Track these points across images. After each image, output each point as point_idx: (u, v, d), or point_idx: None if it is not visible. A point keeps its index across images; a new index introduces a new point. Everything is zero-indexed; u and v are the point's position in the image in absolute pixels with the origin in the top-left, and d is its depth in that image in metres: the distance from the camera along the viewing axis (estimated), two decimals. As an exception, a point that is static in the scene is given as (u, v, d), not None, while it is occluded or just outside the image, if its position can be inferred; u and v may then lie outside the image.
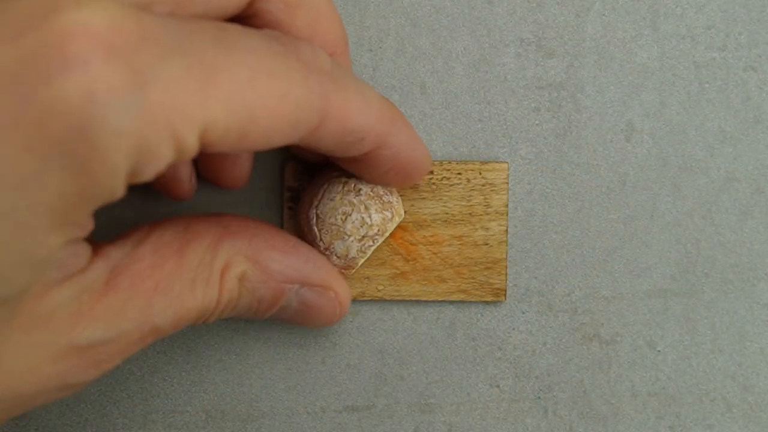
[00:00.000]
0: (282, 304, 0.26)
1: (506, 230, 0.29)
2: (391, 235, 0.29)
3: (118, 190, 0.19)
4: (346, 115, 0.23)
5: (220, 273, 0.24)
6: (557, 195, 0.30)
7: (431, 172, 0.29)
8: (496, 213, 0.29)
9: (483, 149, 0.30)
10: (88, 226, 0.21)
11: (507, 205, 0.29)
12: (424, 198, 0.29)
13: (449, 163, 0.29)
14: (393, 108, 0.25)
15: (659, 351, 0.30)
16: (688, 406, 0.30)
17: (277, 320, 0.28)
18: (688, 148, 0.30)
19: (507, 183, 0.29)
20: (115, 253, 0.23)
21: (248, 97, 0.20)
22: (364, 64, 0.30)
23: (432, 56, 0.30)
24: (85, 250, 0.22)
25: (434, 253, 0.29)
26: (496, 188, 0.29)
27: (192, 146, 0.20)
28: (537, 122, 0.30)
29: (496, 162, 0.29)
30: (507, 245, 0.29)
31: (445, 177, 0.29)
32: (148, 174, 0.19)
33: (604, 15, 0.29)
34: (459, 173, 0.29)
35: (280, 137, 0.21)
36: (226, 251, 0.24)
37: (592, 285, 0.30)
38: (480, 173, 0.29)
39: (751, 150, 0.29)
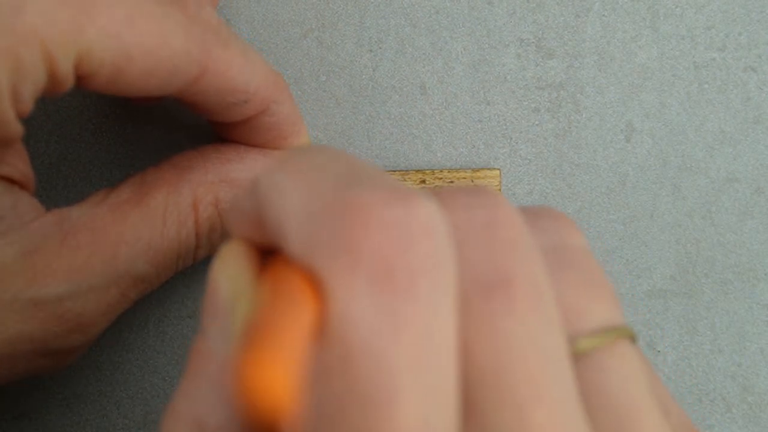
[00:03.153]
0: None
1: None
2: None
3: (5, 111, 0.20)
4: (226, 72, 0.23)
5: (192, 207, 0.25)
6: (557, 195, 0.30)
7: (423, 181, 0.29)
8: None
9: (482, 150, 0.30)
10: (8, 163, 0.22)
11: None
12: None
13: (441, 171, 0.29)
14: (278, 76, 0.25)
15: (659, 351, 0.30)
16: (688, 406, 0.30)
17: None
18: (688, 148, 0.30)
19: (500, 189, 0.29)
20: (71, 213, 0.23)
21: (124, 35, 0.21)
22: (364, 64, 0.30)
23: (432, 56, 0.30)
24: (27, 204, 0.23)
25: None
26: None
27: (66, 73, 0.20)
28: (537, 123, 0.30)
29: (488, 169, 0.29)
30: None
31: (437, 186, 0.29)
32: (27, 98, 0.20)
33: (604, 15, 0.29)
34: (451, 181, 0.29)
35: (157, 82, 0.22)
36: (188, 187, 0.25)
37: (592, 285, 0.30)
38: (472, 181, 0.29)
39: (751, 150, 0.29)
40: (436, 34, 0.30)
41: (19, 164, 0.23)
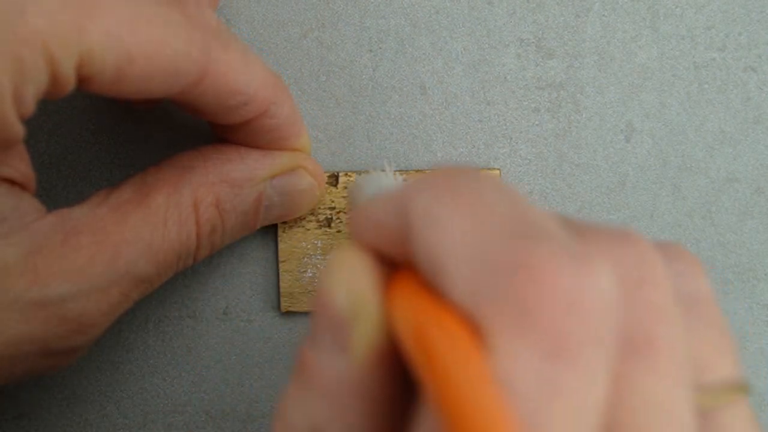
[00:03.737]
0: (265, 204, 0.26)
1: None
2: None
3: (8, 113, 0.20)
4: (227, 74, 0.23)
5: (193, 208, 0.25)
6: (557, 195, 0.30)
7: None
8: None
9: (482, 150, 0.30)
10: (10, 165, 0.22)
11: None
12: None
13: None
14: (278, 78, 0.25)
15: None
16: (688, 407, 0.30)
17: (271, 223, 0.28)
18: (688, 148, 0.30)
19: None
20: (72, 214, 0.23)
21: (126, 37, 0.21)
22: (364, 64, 0.30)
23: (432, 57, 0.30)
24: (29, 205, 0.23)
25: None
26: None
27: (68, 75, 0.20)
28: (537, 123, 0.30)
29: (488, 169, 0.29)
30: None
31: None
32: (29, 100, 0.20)
33: (604, 15, 0.29)
34: None
35: (158, 85, 0.22)
36: (189, 187, 0.25)
37: (592, 285, 0.30)
38: None
39: (751, 150, 0.29)
40: (436, 34, 0.30)
41: (21, 166, 0.23)
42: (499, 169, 0.29)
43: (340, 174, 0.29)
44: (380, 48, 0.30)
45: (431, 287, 0.16)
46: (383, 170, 0.27)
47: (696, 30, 0.29)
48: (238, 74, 0.23)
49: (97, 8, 0.20)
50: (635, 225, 0.30)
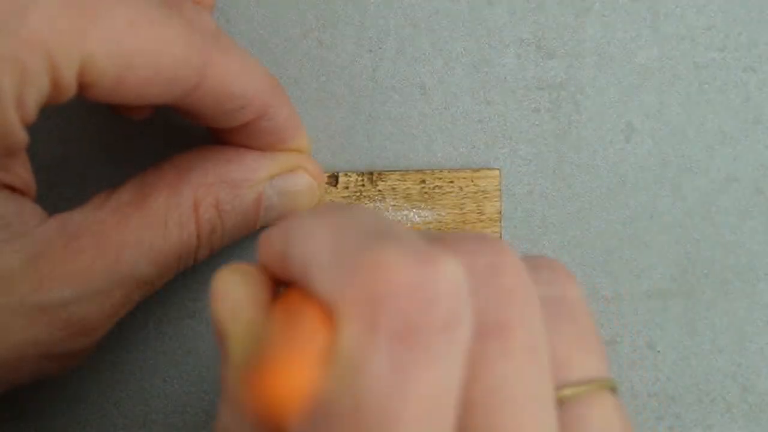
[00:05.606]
0: (265, 204, 0.26)
1: (500, 237, 0.29)
2: None
3: (11, 120, 0.20)
4: (225, 78, 0.23)
5: (193, 209, 0.25)
6: (557, 196, 0.30)
7: (423, 181, 0.29)
8: (490, 220, 0.29)
9: (482, 150, 0.30)
10: (11, 172, 0.22)
11: (500, 212, 0.29)
12: (416, 207, 0.29)
13: (441, 171, 0.29)
14: (275, 81, 0.25)
15: (659, 351, 0.30)
16: (688, 407, 0.30)
17: (271, 223, 0.28)
18: (687, 148, 0.30)
19: (499, 190, 0.29)
20: (73, 218, 0.24)
21: (126, 42, 0.21)
22: (364, 64, 0.30)
23: (432, 57, 0.30)
24: (31, 211, 0.23)
25: None
26: (488, 195, 0.29)
27: (69, 81, 0.20)
28: (537, 123, 0.30)
29: (488, 169, 0.29)
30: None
31: (437, 186, 0.29)
32: (32, 106, 0.20)
33: (604, 15, 0.29)
34: (451, 181, 0.29)
35: (158, 91, 0.22)
36: (188, 188, 0.25)
37: (592, 285, 0.30)
38: (472, 181, 0.29)
39: (751, 150, 0.30)
40: (436, 34, 0.30)
41: (22, 172, 0.23)
42: (498, 169, 0.29)
43: (340, 174, 0.29)
44: (380, 48, 0.30)
45: (303, 293, 0.18)
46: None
47: (696, 30, 0.29)
48: (237, 77, 0.23)
49: (98, 13, 0.20)
50: (635, 225, 0.30)
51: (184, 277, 0.30)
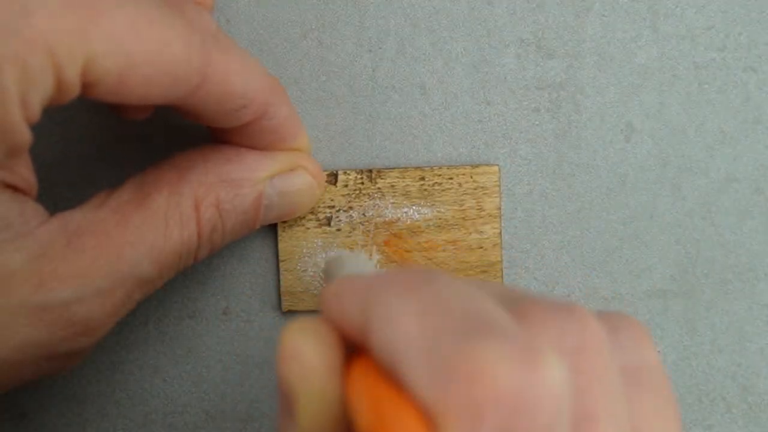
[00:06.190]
0: (265, 203, 0.27)
1: (500, 233, 0.29)
2: (385, 243, 0.29)
3: (16, 119, 0.20)
4: (226, 77, 0.23)
5: (193, 208, 0.25)
6: (557, 195, 0.30)
7: (422, 178, 0.29)
8: (489, 216, 0.29)
9: (482, 150, 0.30)
10: (14, 172, 0.22)
11: (500, 208, 0.29)
12: (416, 204, 0.29)
13: (440, 168, 0.29)
14: (275, 80, 0.25)
15: (659, 351, 0.30)
16: (688, 406, 0.30)
17: (271, 223, 0.28)
18: (687, 148, 0.30)
19: (499, 186, 0.29)
20: (74, 217, 0.23)
21: (128, 42, 0.21)
22: (364, 64, 0.30)
23: (432, 57, 0.30)
24: (33, 210, 0.23)
25: (429, 259, 0.29)
26: (488, 191, 0.29)
27: (73, 81, 0.20)
28: (537, 123, 0.30)
29: (487, 165, 0.29)
30: (501, 248, 0.29)
31: (436, 182, 0.29)
32: (35, 105, 0.20)
33: (604, 15, 0.29)
34: (450, 178, 0.29)
35: (159, 90, 0.22)
36: (189, 188, 0.25)
37: (592, 285, 0.30)
38: (471, 177, 0.29)
39: (750, 150, 0.29)
40: (436, 34, 0.30)
41: (25, 172, 0.23)
42: (497, 165, 0.29)
43: (339, 172, 0.29)
44: (380, 48, 0.30)
45: (388, 376, 0.17)
46: (357, 254, 0.28)
47: (696, 30, 0.29)
48: (237, 77, 0.24)
49: (100, 13, 0.20)
50: (635, 225, 0.30)
51: (184, 277, 0.30)
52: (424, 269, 0.19)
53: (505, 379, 0.15)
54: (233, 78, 0.23)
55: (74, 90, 0.21)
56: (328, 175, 0.29)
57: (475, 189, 0.29)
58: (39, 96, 0.20)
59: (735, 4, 0.29)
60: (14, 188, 0.23)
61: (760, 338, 0.30)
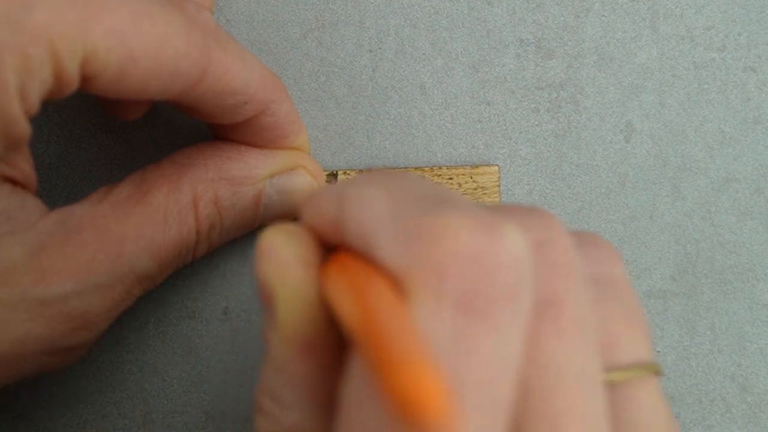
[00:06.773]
0: (264, 202, 0.27)
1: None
2: None
3: (15, 111, 0.20)
4: (226, 74, 0.23)
5: (192, 205, 0.25)
6: (557, 195, 0.30)
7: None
8: None
9: (482, 150, 0.30)
10: (14, 166, 0.22)
11: None
12: None
13: (439, 168, 0.29)
14: (275, 77, 0.25)
15: (659, 351, 0.30)
16: (688, 406, 0.30)
17: (270, 222, 0.28)
18: (687, 148, 0.30)
19: (498, 186, 0.29)
20: (74, 212, 0.24)
21: (128, 36, 0.21)
22: (364, 64, 0.30)
23: (431, 57, 0.30)
24: (33, 205, 0.23)
25: None
26: (487, 191, 0.29)
27: (72, 74, 0.20)
28: (536, 123, 0.30)
29: (487, 165, 0.29)
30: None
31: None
32: (34, 98, 0.20)
33: (603, 16, 0.29)
34: (450, 178, 0.29)
35: (159, 85, 0.22)
36: (188, 184, 0.25)
37: (592, 285, 0.30)
38: (471, 177, 0.29)
39: (750, 150, 0.29)
40: (436, 34, 0.30)
41: (24, 166, 0.23)
42: (497, 165, 0.29)
43: (339, 172, 0.29)
44: (380, 48, 0.30)
45: (362, 258, 0.18)
46: None
47: (696, 30, 0.29)
48: (237, 74, 0.24)
49: (101, 7, 0.20)
50: (635, 225, 0.30)
51: (184, 277, 0.30)
52: (391, 170, 0.19)
53: (467, 240, 0.16)
54: (233, 73, 0.23)
55: (73, 83, 0.21)
56: (328, 175, 0.29)
57: (474, 189, 0.29)
58: (38, 88, 0.20)
59: (735, 4, 0.29)
60: (14, 182, 0.23)
61: (759, 338, 0.30)
